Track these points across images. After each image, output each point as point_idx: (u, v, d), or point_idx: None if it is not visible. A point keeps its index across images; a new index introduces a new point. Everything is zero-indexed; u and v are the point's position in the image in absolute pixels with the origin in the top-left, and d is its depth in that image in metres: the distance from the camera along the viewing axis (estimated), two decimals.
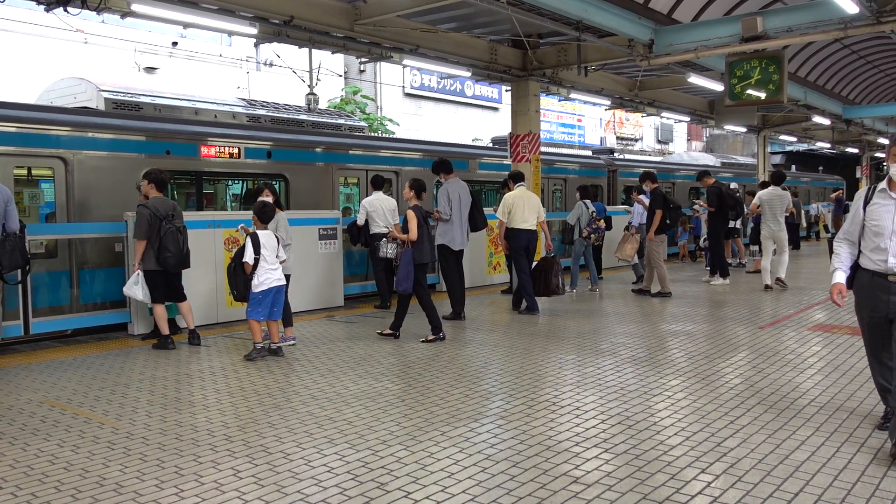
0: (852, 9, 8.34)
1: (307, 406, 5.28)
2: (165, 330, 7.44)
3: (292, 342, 7.56)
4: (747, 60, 10.17)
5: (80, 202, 8.46)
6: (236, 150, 9.94)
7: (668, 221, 10.72)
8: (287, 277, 7.33)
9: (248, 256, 6.74)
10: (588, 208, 11.20)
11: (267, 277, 6.85)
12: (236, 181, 12.26)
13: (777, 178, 11.33)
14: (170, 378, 6.24)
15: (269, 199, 7.46)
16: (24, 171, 8.52)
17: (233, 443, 4.50)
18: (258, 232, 6.91)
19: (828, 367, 6.24)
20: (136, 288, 7.26)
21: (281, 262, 7.06)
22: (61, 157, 8.35)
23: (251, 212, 7.17)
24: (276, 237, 7.05)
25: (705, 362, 6.49)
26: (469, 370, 6.31)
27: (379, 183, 10.03)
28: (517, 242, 9.41)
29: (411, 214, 7.54)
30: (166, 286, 7.47)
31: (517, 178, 9.90)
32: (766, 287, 11.15)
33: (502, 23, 10.11)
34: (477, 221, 9.27)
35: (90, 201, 8.53)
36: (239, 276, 6.87)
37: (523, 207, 9.42)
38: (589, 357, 6.74)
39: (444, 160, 9.22)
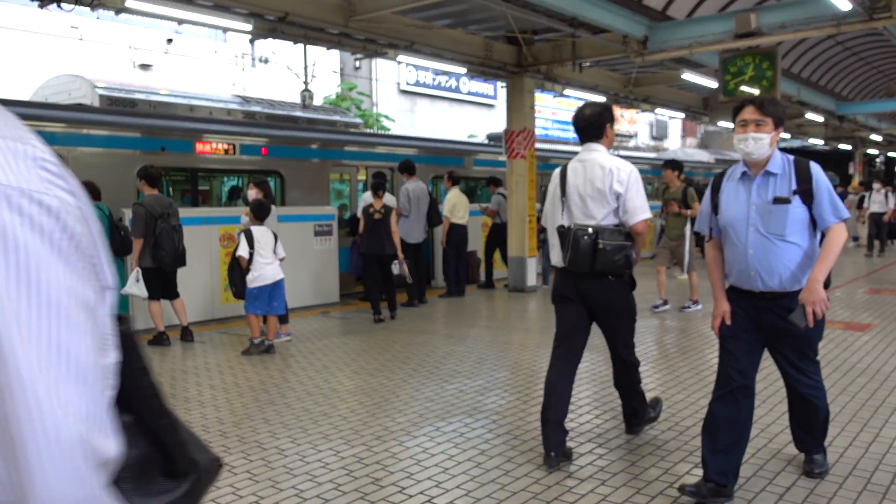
0: (845, 6, 8.36)
1: (302, 402, 5.30)
2: (161, 326, 7.45)
3: (287, 338, 7.58)
4: (741, 57, 10.19)
5: None
6: (231, 147, 9.93)
7: None
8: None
9: (243, 251, 6.79)
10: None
11: (262, 272, 6.88)
12: (232, 177, 12.26)
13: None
14: (165, 374, 6.24)
15: (259, 195, 7.45)
16: None
17: (228, 438, 4.51)
18: (252, 228, 6.93)
19: (821, 360, 6.26)
20: (136, 286, 7.26)
21: (280, 260, 7.09)
22: (57, 154, 8.32)
23: (248, 208, 7.21)
24: (274, 234, 7.08)
25: (698, 357, 6.52)
26: (464, 365, 6.33)
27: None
28: (458, 237, 10.85)
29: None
30: (163, 284, 7.48)
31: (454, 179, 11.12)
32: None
33: (497, 19, 10.10)
34: (433, 219, 10.32)
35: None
36: (236, 272, 6.92)
37: (465, 206, 10.92)
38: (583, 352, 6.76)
39: (408, 162, 10.33)
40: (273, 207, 7.63)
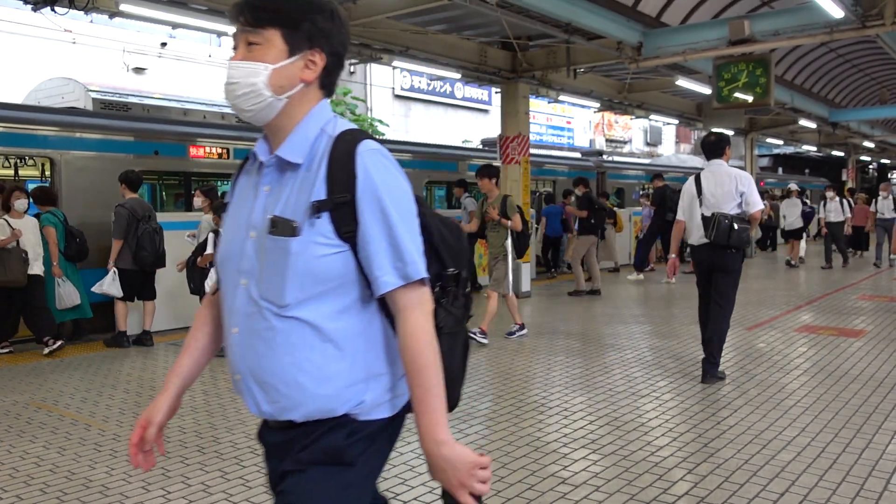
0: (838, 13, 8.40)
1: None
2: (123, 326, 7.60)
3: None
4: (735, 63, 10.24)
5: (68, 202, 8.40)
6: (225, 151, 9.91)
7: (592, 222, 11.40)
8: None
9: (212, 248, 6.99)
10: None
11: None
12: (225, 181, 12.23)
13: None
14: (157, 379, 6.21)
15: (205, 203, 7.65)
16: (11, 171, 8.45)
17: (220, 444, 4.48)
18: (219, 229, 7.04)
19: (813, 367, 6.29)
20: (112, 285, 7.40)
21: None
22: (49, 157, 8.30)
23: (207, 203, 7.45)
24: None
25: (692, 364, 6.53)
26: None
27: None
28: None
29: None
30: (141, 285, 7.67)
31: None
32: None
33: (492, 25, 10.12)
34: None
35: (78, 201, 8.47)
36: (195, 271, 7.16)
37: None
38: (577, 358, 6.76)
39: None
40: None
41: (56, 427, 4.89)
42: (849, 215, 15.04)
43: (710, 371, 5.87)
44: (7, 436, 4.71)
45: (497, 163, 11.96)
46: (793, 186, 16.94)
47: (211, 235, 7.08)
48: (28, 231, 7.10)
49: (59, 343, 7.18)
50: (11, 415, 5.18)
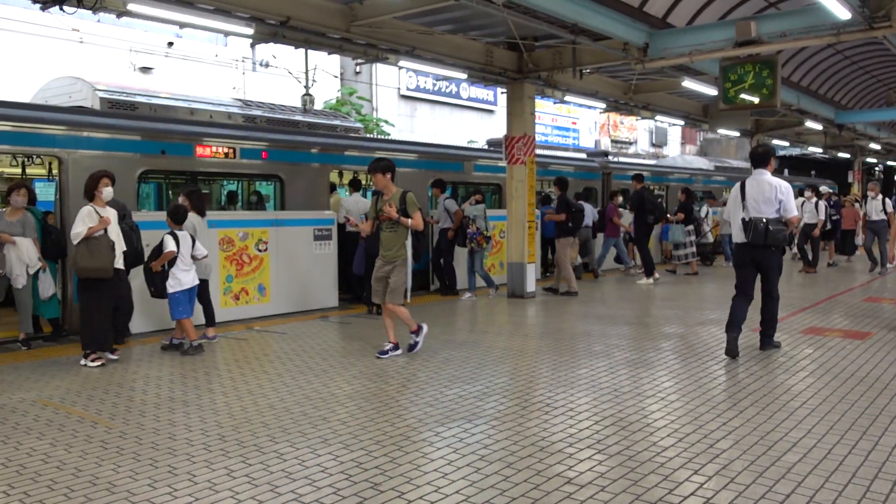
0: (845, 15, 8.38)
1: (301, 406, 5.29)
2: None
3: (214, 339, 7.86)
4: (741, 65, 10.21)
5: (76, 201, 8.43)
6: (232, 151, 9.94)
7: (570, 224, 11.60)
8: (205, 282, 7.83)
9: (171, 246, 7.10)
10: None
11: (181, 279, 7.23)
12: (232, 181, 12.25)
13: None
14: (164, 377, 6.23)
15: (186, 204, 7.69)
16: (19, 170, 8.49)
17: (226, 442, 4.50)
18: (175, 232, 7.28)
19: (819, 369, 6.28)
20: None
21: (201, 258, 7.44)
22: (57, 156, 8.33)
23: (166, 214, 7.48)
24: (192, 237, 7.40)
25: (698, 364, 6.52)
26: (463, 371, 6.32)
27: (357, 184, 11.12)
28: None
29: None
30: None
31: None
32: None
33: (498, 25, 10.13)
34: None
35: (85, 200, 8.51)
36: (155, 274, 7.23)
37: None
38: (581, 359, 6.76)
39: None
40: (200, 219, 7.89)
41: (63, 424, 4.91)
42: (822, 218, 14.55)
43: (765, 342, 7.04)
44: (14, 433, 4.73)
45: (503, 163, 11.98)
46: (824, 188, 17.00)
47: (168, 236, 7.15)
48: (113, 221, 6.95)
49: (99, 361, 6.75)
50: (19, 412, 5.21)
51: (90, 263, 6.61)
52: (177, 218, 7.32)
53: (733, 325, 6.77)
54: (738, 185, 6.97)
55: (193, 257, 7.34)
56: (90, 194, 6.84)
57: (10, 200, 7.48)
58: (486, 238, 11.09)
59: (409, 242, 6.94)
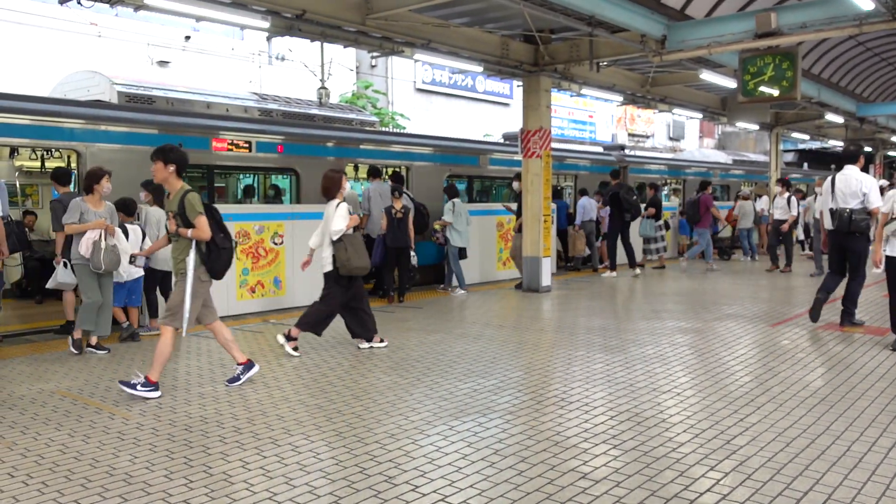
0: (867, 5, 8.25)
1: (316, 399, 5.30)
2: (71, 316, 7.50)
3: (157, 332, 7.74)
4: (761, 57, 10.08)
5: None
6: (248, 144, 9.97)
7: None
8: (167, 273, 7.79)
9: (123, 243, 7.13)
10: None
11: (127, 269, 7.30)
12: (248, 175, 12.30)
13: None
14: (180, 369, 6.28)
15: (148, 198, 7.92)
16: (38, 164, 8.56)
17: (242, 434, 4.52)
18: (126, 224, 7.42)
19: (839, 365, 6.21)
20: (64, 275, 7.23)
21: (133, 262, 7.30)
22: (75, 150, 8.40)
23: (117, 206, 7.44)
24: (143, 231, 7.64)
25: (714, 359, 6.47)
26: (478, 365, 6.31)
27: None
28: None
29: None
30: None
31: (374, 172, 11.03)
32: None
33: (514, 17, 10.07)
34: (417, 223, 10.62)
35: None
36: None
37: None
38: (597, 353, 6.73)
39: (373, 167, 10.95)
40: (157, 210, 7.89)
41: (81, 415, 4.96)
42: (794, 213, 13.71)
43: (846, 318, 7.81)
44: (33, 423, 4.78)
45: (518, 157, 11.92)
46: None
47: (119, 231, 7.07)
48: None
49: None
50: (38, 403, 5.27)
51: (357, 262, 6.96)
52: (127, 211, 7.58)
53: (822, 290, 7.89)
54: (829, 179, 7.84)
55: (132, 256, 7.17)
56: (329, 193, 7.04)
57: (94, 189, 6.84)
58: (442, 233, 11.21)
59: (192, 255, 5.48)
